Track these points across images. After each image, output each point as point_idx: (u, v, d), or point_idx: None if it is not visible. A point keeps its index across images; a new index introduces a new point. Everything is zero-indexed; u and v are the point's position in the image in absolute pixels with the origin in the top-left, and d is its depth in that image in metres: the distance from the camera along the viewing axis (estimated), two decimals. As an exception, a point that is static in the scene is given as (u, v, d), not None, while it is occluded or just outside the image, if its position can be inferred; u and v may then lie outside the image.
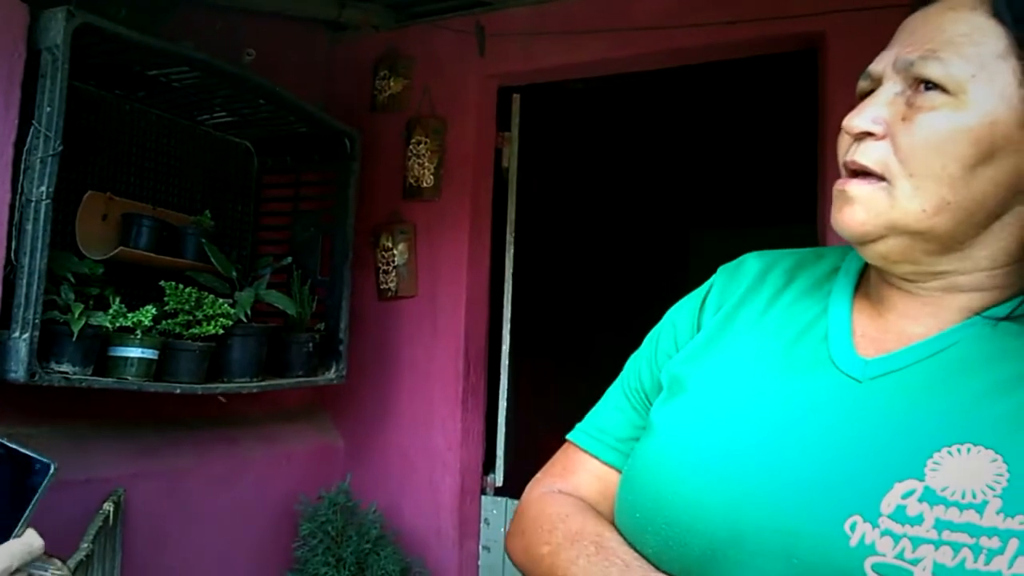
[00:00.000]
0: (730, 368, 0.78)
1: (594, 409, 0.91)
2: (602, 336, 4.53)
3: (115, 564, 1.94)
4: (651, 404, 0.85)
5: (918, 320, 0.73)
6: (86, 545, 1.45)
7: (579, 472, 0.87)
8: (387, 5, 2.93)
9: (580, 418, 0.93)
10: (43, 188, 1.75)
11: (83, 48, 1.86)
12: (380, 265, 2.92)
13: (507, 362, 2.96)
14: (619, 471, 0.83)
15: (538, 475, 0.90)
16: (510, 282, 2.99)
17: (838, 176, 0.74)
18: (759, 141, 4.52)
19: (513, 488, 2.90)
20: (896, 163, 0.69)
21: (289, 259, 2.60)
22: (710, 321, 0.84)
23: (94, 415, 2.18)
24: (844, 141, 0.73)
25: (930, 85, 0.68)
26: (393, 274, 2.89)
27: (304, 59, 2.98)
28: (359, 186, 2.67)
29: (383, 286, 2.91)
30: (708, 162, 4.93)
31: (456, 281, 2.85)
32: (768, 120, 4.17)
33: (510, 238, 3.00)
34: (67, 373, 1.83)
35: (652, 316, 0.95)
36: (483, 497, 2.89)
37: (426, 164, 2.87)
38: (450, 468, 2.80)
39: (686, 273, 4.84)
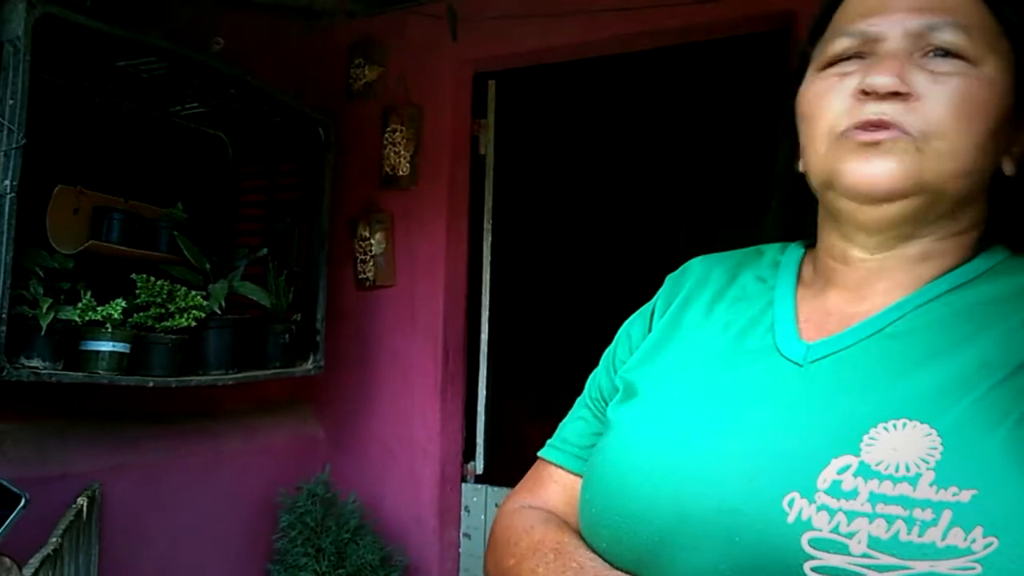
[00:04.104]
0: (679, 365, 0.80)
1: (560, 424, 0.94)
2: (583, 324, 4.53)
3: (91, 558, 1.94)
4: None
5: (865, 298, 0.74)
6: (54, 540, 1.45)
7: (547, 484, 0.89)
8: (361, -8, 2.91)
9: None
10: (7, 182, 1.74)
11: (47, 40, 1.84)
12: (358, 255, 2.91)
13: (486, 350, 2.96)
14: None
15: (511, 492, 0.93)
16: (488, 270, 2.98)
17: None
18: (750, 126, 4.49)
19: (493, 476, 2.90)
20: (932, 123, 0.68)
21: (265, 250, 2.58)
22: (658, 325, 0.86)
23: (71, 410, 2.17)
24: (838, 100, 0.72)
25: (942, 51, 0.69)
26: (371, 264, 2.88)
27: (279, 48, 2.95)
28: (334, 175, 2.66)
29: (361, 276, 2.90)
30: (697, 147, 4.91)
31: (434, 270, 2.84)
32: (756, 104, 4.15)
33: (488, 226, 3.00)
34: (37, 368, 1.82)
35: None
36: (463, 485, 2.90)
37: (402, 152, 2.85)
38: (430, 456, 2.80)
39: (677, 261, 4.81)
